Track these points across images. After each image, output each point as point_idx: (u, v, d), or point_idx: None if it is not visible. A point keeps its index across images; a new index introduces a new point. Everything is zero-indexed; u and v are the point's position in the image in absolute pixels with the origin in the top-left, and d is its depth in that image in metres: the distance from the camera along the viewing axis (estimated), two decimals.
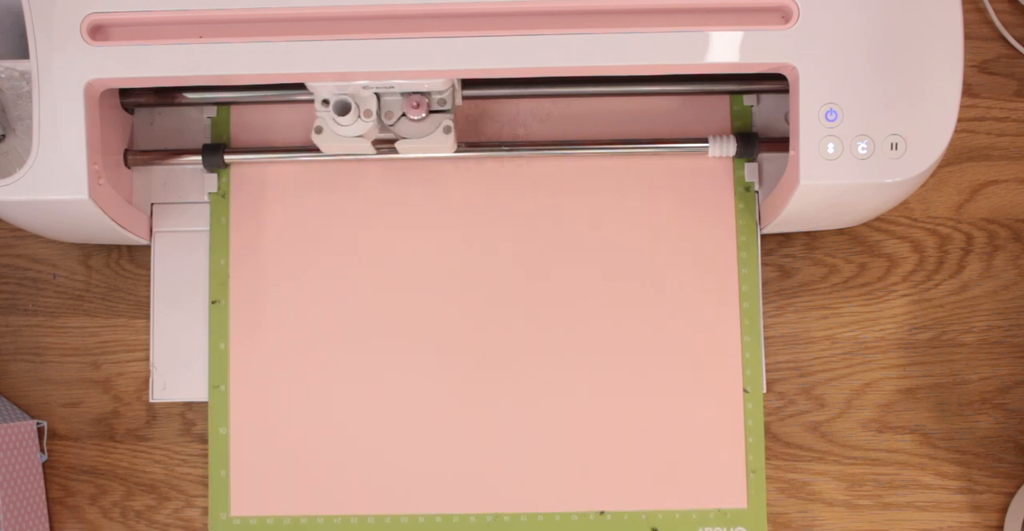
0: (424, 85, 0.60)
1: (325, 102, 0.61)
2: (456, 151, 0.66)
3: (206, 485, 0.68)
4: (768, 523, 0.67)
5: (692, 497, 0.66)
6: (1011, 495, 0.67)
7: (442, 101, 0.62)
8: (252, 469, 0.67)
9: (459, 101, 0.63)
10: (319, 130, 0.62)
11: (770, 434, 0.68)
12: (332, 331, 0.67)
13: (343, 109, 0.60)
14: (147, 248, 0.69)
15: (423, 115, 0.62)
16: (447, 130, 0.62)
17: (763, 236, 0.68)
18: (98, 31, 0.59)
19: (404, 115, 0.62)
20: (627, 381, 0.66)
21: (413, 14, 0.58)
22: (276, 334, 0.67)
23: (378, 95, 0.61)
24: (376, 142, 0.64)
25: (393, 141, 0.63)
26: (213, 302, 0.68)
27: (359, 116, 0.61)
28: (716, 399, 0.66)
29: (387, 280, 0.67)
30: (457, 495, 0.66)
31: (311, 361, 0.67)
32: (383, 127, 0.63)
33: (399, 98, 0.62)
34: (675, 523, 0.66)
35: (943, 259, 0.69)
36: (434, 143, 0.63)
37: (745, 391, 0.66)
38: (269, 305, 0.67)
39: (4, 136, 0.62)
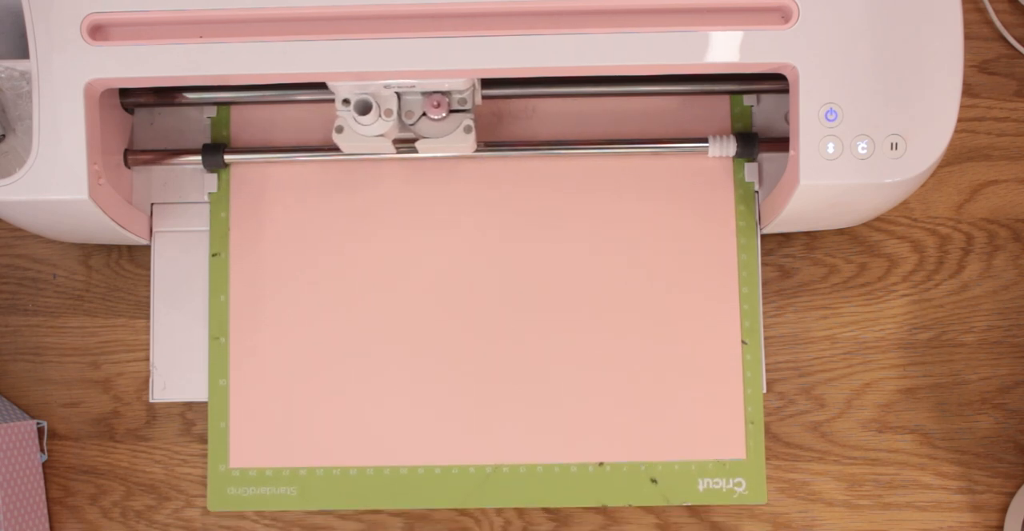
0: (444, 85, 0.60)
1: (346, 101, 0.61)
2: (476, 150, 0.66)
3: (206, 485, 0.68)
4: (768, 523, 0.67)
5: (691, 448, 0.66)
6: (1011, 495, 0.67)
7: (462, 100, 0.62)
8: (251, 421, 0.67)
9: (479, 100, 0.63)
10: (340, 129, 0.62)
11: (770, 434, 0.68)
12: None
13: (364, 108, 0.60)
14: (147, 248, 0.69)
15: (444, 114, 0.62)
16: (468, 129, 0.62)
17: (763, 236, 0.68)
18: (98, 31, 0.59)
19: (424, 114, 0.62)
20: (628, 340, 0.66)
21: (408, 14, 0.58)
22: (277, 288, 0.67)
23: (399, 94, 0.61)
24: (395, 141, 0.64)
25: (412, 140, 0.63)
26: (214, 255, 0.68)
27: (380, 115, 0.61)
28: (715, 351, 0.66)
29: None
30: (456, 446, 0.66)
31: (312, 315, 0.67)
32: (403, 126, 0.63)
33: (420, 97, 0.62)
34: (674, 474, 0.66)
35: (943, 259, 0.69)
36: (455, 142, 0.63)
37: (744, 343, 0.66)
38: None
39: (4, 136, 0.62)
